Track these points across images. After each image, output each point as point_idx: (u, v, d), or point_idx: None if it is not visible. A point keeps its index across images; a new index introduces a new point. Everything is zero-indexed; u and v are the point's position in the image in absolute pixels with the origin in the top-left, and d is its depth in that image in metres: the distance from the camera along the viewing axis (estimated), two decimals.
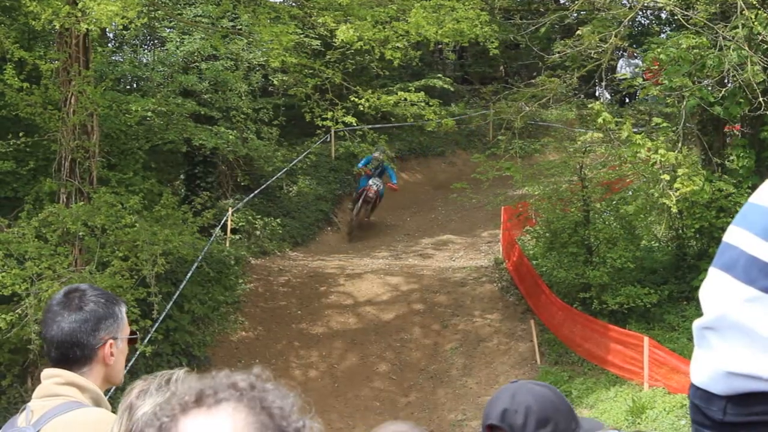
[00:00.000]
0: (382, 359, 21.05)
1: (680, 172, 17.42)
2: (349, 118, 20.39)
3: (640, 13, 28.90)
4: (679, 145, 18.29)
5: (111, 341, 4.04)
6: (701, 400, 2.81)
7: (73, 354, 4.00)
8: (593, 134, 19.93)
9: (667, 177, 17.58)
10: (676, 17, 19.85)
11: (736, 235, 2.73)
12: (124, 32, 24.97)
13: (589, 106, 22.29)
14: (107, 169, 20.12)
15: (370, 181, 26.91)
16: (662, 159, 17.54)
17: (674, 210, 17.73)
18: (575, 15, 26.47)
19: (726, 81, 18.19)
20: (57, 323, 4.01)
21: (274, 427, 1.99)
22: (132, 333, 4.24)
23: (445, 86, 29.50)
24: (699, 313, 2.85)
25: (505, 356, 20.46)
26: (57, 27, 16.95)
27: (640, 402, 16.43)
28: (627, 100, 31.93)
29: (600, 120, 18.99)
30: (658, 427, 15.20)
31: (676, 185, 17.35)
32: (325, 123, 21.19)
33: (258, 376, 2.09)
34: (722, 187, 18.45)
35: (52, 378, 3.98)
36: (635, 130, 19.51)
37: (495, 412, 3.90)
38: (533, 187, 22.27)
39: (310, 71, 21.47)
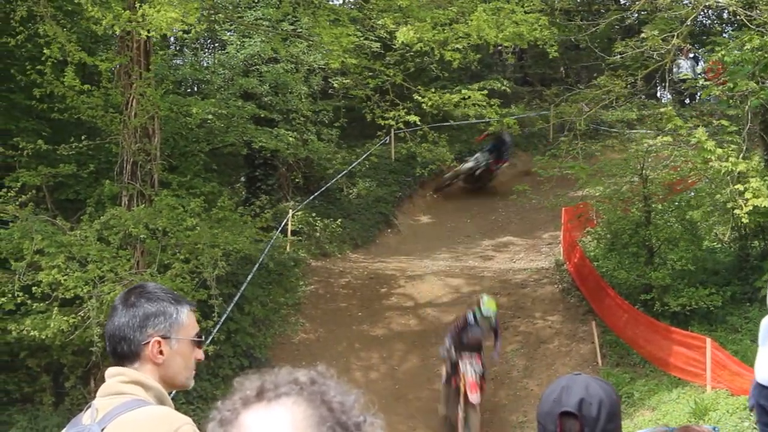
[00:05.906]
0: (443, 361, 21.02)
1: (753, 183, 17.11)
2: (411, 117, 20.35)
3: (702, 12, 28.68)
4: (744, 147, 18.07)
5: (159, 339, 4.05)
6: (767, 399, 2.81)
7: (120, 349, 4.03)
8: (662, 138, 19.62)
9: (740, 187, 17.25)
10: (738, 17, 19.65)
11: None
12: (185, 36, 25.19)
13: (660, 110, 22.09)
14: (168, 171, 20.24)
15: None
16: (733, 167, 17.27)
17: (745, 221, 17.37)
18: (635, 15, 26.34)
19: None
20: (112, 318, 4.05)
21: (334, 420, 2.02)
22: (197, 336, 4.24)
23: (504, 88, 29.42)
24: (762, 315, 2.87)
25: (567, 358, 20.37)
26: (117, 32, 17.10)
27: (703, 404, 16.26)
28: (687, 101, 31.66)
29: (670, 125, 18.82)
30: (722, 428, 15.06)
31: (746, 194, 17.07)
32: (387, 122, 21.17)
33: (321, 372, 2.11)
34: None
35: (116, 376, 4.00)
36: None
37: (572, 400, 3.94)
38: (594, 188, 22.17)
39: (370, 73, 21.50)
